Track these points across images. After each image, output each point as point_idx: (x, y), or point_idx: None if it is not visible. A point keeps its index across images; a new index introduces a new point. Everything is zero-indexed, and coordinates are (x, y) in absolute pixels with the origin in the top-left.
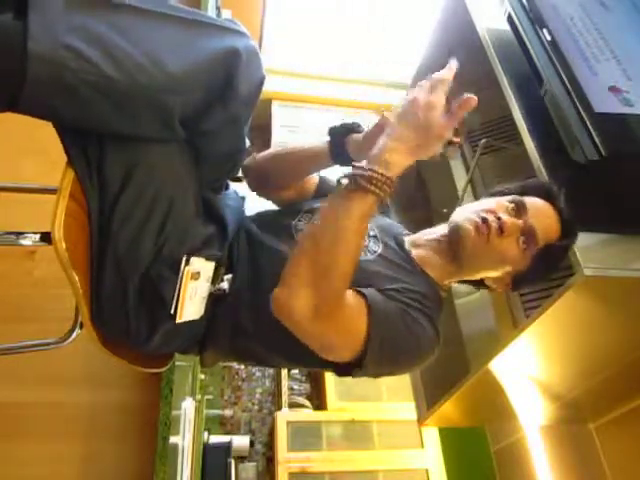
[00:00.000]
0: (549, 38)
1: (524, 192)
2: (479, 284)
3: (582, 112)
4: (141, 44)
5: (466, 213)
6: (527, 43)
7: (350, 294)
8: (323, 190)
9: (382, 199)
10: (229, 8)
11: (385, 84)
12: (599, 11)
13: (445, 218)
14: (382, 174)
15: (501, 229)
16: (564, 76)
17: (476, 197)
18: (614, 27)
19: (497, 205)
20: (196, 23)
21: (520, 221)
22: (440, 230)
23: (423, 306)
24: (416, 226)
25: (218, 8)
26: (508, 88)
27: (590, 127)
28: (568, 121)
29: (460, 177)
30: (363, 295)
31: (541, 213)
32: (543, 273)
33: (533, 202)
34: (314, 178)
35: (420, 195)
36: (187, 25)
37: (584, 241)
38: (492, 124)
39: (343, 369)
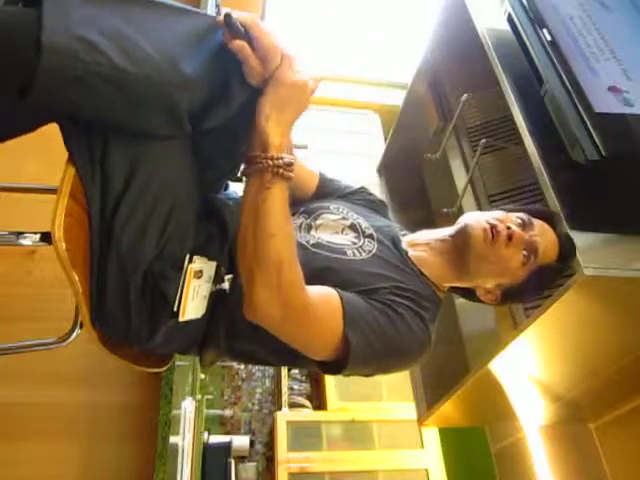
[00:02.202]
0: (549, 38)
1: (530, 214)
2: (470, 295)
3: (582, 112)
4: (154, 38)
5: (476, 217)
6: (527, 43)
7: (321, 292)
8: (322, 190)
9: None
10: (229, 6)
11: (385, 84)
12: (599, 11)
13: (445, 218)
14: (278, 158)
15: (509, 237)
16: (564, 76)
17: (476, 197)
18: (614, 27)
19: (506, 216)
20: (205, 19)
21: (526, 235)
22: (445, 231)
23: (416, 305)
24: (416, 226)
25: (218, 6)
26: (508, 88)
27: (590, 127)
28: (568, 121)
29: (460, 177)
30: (337, 294)
31: (545, 234)
32: (533, 291)
33: (538, 222)
34: (315, 176)
35: (420, 195)
36: (198, 21)
37: (584, 241)
38: (492, 124)
39: (330, 367)
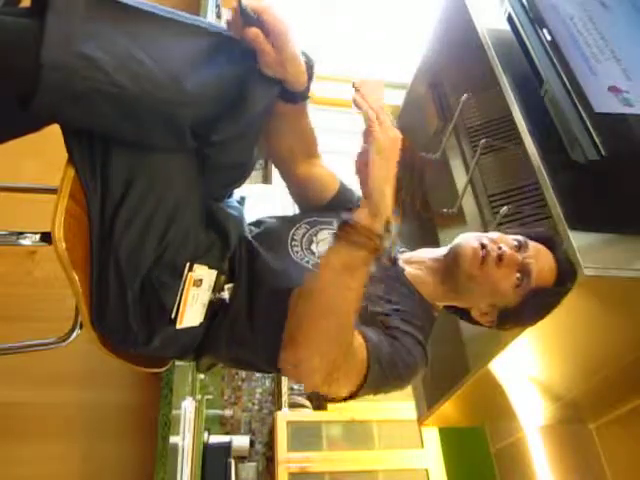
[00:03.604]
0: (549, 38)
1: (529, 237)
2: (466, 316)
3: (582, 112)
4: (157, 55)
5: (469, 237)
6: (527, 43)
7: (355, 348)
8: (338, 198)
9: (374, 251)
10: (229, 7)
11: (385, 84)
12: (599, 11)
13: (445, 218)
14: (383, 239)
15: (500, 258)
16: (564, 76)
17: (476, 197)
18: (614, 27)
19: (500, 237)
20: (213, 35)
21: (519, 257)
22: (440, 251)
23: (411, 326)
24: (416, 226)
25: (218, 7)
26: (508, 88)
27: (590, 127)
28: (568, 121)
29: (460, 177)
30: (364, 344)
31: (541, 257)
32: (530, 315)
33: (535, 245)
34: (336, 183)
35: (420, 195)
36: (204, 36)
37: (584, 241)
38: (492, 124)
39: None
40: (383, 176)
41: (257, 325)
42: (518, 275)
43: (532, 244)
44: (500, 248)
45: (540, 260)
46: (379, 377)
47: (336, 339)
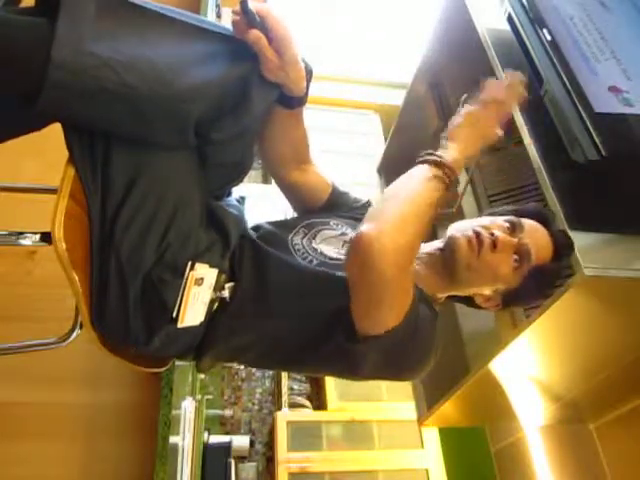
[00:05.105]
0: (549, 38)
1: (520, 215)
2: (469, 302)
3: (582, 112)
4: (165, 55)
5: (461, 228)
6: (527, 43)
7: None
8: (332, 202)
9: (444, 183)
10: (229, 7)
11: (385, 84)
12: (599, 11)
13: (445, 218)
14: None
15: (494, 244)
16: (564, 76)
17: (476, 197)
18: (614, 27)
19: (492, 222)
20: (218, 35)
21: (515, 239)
22: (435, 244)
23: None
24: None
25: (218, 6)
26: None
27: (590, 127)
28: (568, 121)
29: (460, 177)
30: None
31: (536, 234)
32: (533, 294)
33: (529, 222)
34: (329, 186)
35: None
36: (209, 37)
37: (584, 241)
38: None
39: (352, 361)
40: (470, 124)
41: (266, 325)
42: (516, 257)
43: (526, 222)
44: (492, 234)
45: (536, 238)
46: (411, 327)
47: (412, 223)
